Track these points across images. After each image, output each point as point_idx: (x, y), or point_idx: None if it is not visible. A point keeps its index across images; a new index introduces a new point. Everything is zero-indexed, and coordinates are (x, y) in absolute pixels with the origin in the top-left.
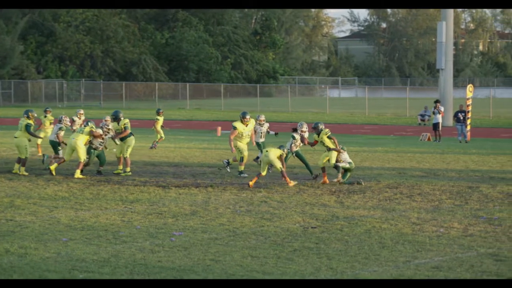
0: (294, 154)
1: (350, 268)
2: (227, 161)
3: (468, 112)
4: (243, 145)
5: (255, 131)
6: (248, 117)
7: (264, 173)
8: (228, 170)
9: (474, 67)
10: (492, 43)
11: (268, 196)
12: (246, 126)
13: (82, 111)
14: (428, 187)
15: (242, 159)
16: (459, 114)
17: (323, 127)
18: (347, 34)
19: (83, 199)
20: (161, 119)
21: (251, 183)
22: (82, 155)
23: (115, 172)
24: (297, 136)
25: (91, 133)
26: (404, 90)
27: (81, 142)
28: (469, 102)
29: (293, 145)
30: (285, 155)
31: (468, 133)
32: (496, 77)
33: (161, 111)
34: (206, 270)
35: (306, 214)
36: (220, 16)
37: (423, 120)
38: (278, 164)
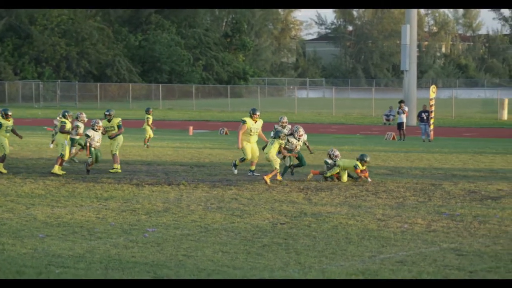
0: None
1: (317, 263)
2: (250, 170)
3: (431, 112)
4: (248, 147)
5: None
6: (258, 113)
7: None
8: (255, 174)
9: (437, 69)
10: (454, 46)
11: (238, 194)
12: (255, 122)
13: (83, 114)
14: (393, 185)
15: (243, 159)
16: (423, 114)
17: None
18: (315, 36)
19: (59, 197)
20: (151, 118)
21: (267, 178)
22: (63, 151)
23: (112, 171)
24: (292, 140)
25: (61, 128)
26: (370, 91)
27: (61, 138)
28: (432, 102)
29: (288, 147)
30: (283, 144)
31: (431, 133)
32: (458, 78)
33: (150, 110)
34: (178, 265)
35: (275, 211)
36: (192, 19)
37: (388, 120)
38: (276, 164)
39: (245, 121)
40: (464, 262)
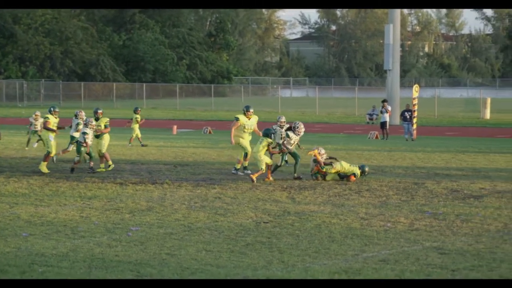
0: (286, 154)
1: (301, 262)
2: (234, 169)
3: (414, 111)
4: (245, 141)
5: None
6: (251, 110)
7: (263, 167)
8: (240, 173)
9: (420, 68)
10: (437, 45)
11: (222, 192)
12: (249, 119)
13: (82, 112)
14: (376, 183)
15: (246, 155)
16: (406, 113)
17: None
18: (298, 36)
19: (43, 196)
20: (139, 117)
21: (254, 176)
22: (49, 148)
23: (98, 170)
24: (292, 135)
25: (44, 124)
26: (353, 90)
27: (46, 135)
28: (415, 101)
29: (286, 143)
30: (273, 144)
31: (414, 132)
32: (441, 77)
33: (139, 109)
34: (162, 263)
35: (258, 210)
36: (175, 18)
37: (371, 119)
38: (262, 165)
39: (238, 118)
40: (447, 261)
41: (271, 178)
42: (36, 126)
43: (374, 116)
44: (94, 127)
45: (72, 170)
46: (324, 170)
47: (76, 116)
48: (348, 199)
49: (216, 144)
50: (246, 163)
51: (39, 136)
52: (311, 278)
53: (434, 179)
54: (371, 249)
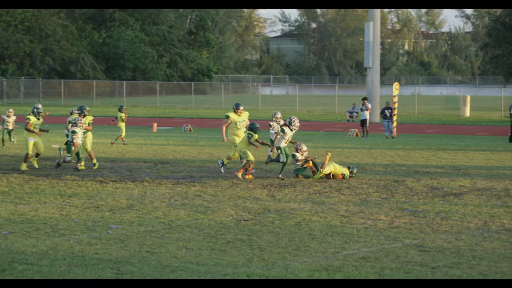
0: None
1: (281, 259)
2: (221, 161)
3: (394, 109)
4: (238, 139)
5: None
6: (241, 108)
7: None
8: (222, 171)
9: (400, 66)
10: (417, 43)
11: (202, 190)
12: (240, 116)
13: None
14: (356, 181)
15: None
16: (386, 110)
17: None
18: (279, 34)
19: (23, 194)
20: (124, 116)
21: (240, 174)
22: (27, 149)
23: (95, 167)
24: (287, 130)
25: (25, 125)
26: (333, 88)
27: (30, 137)
28: (395, 99)
29: (281, 138)
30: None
31: (394, 129)
32: (421, 75)
33: (124, 107)
34: (142, 261)
35: (239, 207)
36: (155, 16)
37: (351, 117)
38: (250, 157)
39: (228, 116)
40: (427, 258)
41: (251, 175)
42: (8, 124)
43: (354, 114)
44: (83, 126)
45: (58, 165)
46: (320, 175)
47: (72, 113)
48: (328, 196)
49: (196, 142)
50: (226, 161)
51: (9, 133)
52: (292, 275)
53: (414, 176)
54: (351, 247)
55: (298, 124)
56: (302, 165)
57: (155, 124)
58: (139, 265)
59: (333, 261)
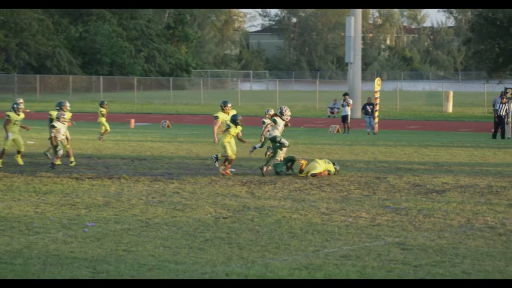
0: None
1: (260, 258)
2: (215, 156)
3: (376, 104)
4: (232, 143)
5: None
6: (229, 105)
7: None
8: (217, 165)
9: (381, 61)
10: (399, 38)
11: (180, 187)
12: (228, 114)
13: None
14: (337, 178)
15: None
16: (367, 106)
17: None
18: (259, 28)
19: None
20: (104, 111)
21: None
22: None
23: (72, 165)
24: (279, 121)
25: (4, 123)
26: (314, 83)
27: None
28: (377, 95)
29: (274, 128)
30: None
31: (376, 125)
32: (403, 70)
33: (105, 103)
34: (119, 260)
35: (217, 205)
36: (133, 10)
37: (332, 113)
38: (228, 151)
39: (217, 116)
40: (409, 256)
41: (229, 172)
42: None
43: (336, 110)
44: (66, 121)
45: (53, 165)
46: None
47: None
48: (308, 194)
49: (175, 138)
50: (220, 156)
51: None
52: (272, 274)
53: (396, 173)
54: (332, 245)
55: (290, 113)
56: (291, 162)
57: (133, 120)
58: (116, 264)
59: (314, 260)
